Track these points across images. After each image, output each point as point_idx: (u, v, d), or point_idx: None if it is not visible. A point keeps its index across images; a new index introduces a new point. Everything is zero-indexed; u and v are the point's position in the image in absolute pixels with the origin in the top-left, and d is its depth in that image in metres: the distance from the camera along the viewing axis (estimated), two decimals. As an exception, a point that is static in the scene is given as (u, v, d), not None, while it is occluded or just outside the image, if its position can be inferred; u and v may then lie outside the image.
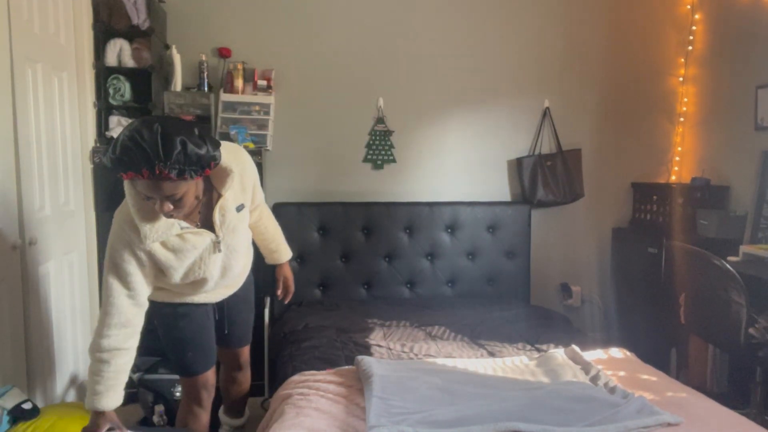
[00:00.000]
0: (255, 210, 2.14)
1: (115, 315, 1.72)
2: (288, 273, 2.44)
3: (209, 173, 1.67)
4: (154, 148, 1.50)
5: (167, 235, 1.73)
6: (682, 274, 2.75)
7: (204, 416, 2.13)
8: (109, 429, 1.73)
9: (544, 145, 3.66)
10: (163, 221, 1.71)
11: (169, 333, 2.02)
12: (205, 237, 1.83)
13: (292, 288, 2.46)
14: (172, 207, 1.62)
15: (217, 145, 1.65)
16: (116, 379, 1.73)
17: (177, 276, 1.83)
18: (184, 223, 1.79)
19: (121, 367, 1.74)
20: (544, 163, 3.59)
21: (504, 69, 3.61)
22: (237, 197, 1.89)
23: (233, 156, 1.84)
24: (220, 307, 2.12)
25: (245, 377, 2.40)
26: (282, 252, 2.39)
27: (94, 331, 1.77)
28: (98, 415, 1.72)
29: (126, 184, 1.68)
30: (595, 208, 3.75)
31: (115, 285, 1.73)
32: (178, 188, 1.59)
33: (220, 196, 1.82)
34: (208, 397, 2.11)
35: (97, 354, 1.71)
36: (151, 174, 1.51)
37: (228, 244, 1.90)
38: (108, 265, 1.74)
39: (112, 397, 1.72)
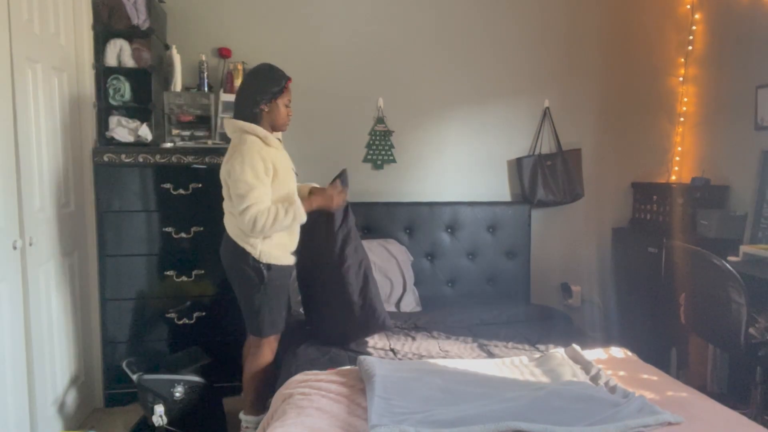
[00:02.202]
0: None
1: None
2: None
3: None
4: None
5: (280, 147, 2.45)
6: (682, 273, 2.75)
7: None
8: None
9: (544, 145, 3.66)
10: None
11: (283, 293, 2.46)
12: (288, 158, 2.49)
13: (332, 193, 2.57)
14: None
15: None
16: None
17: (293, 183, 2.44)
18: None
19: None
20: (544, 163, 3.59)
21: (504, 69, 3.61)
22: None
23: None
24: None
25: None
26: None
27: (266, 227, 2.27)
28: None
29: (249, 144, 2.30)
30: (595, 208, 3.75)
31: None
32: None
33: None
34: None
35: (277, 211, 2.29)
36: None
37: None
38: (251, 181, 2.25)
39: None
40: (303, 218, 2.37)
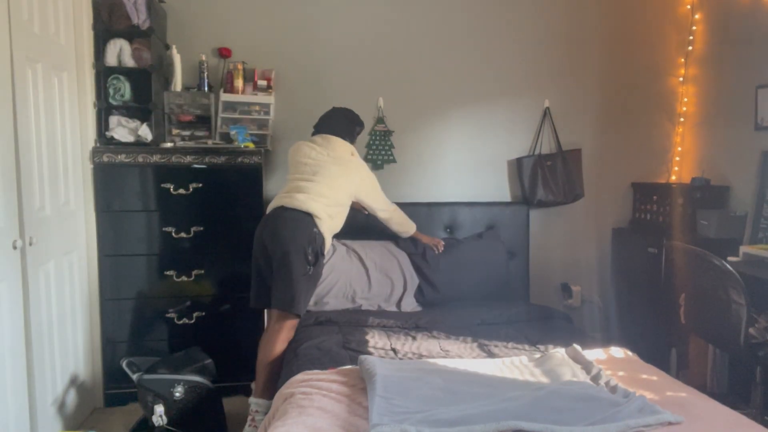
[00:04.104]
0: None
1: None
2: None
3: None
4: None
5: None
6: (682, 274, 2.75)
7: None
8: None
9: (544, 145, 3.66)
10: None
11: (316, 275, 2.66)
12: None
13: None
14: None
15: None
16: None
17: None
18: None
19: None
20: (544, 163, 3.59)
21: (504, 69, 3.61)
22: None
23: None
24: None
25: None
26: None
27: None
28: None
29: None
30: (595, 208, 3.75)
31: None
32: None
33: None
34: None
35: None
36: None
37: None
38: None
39: None
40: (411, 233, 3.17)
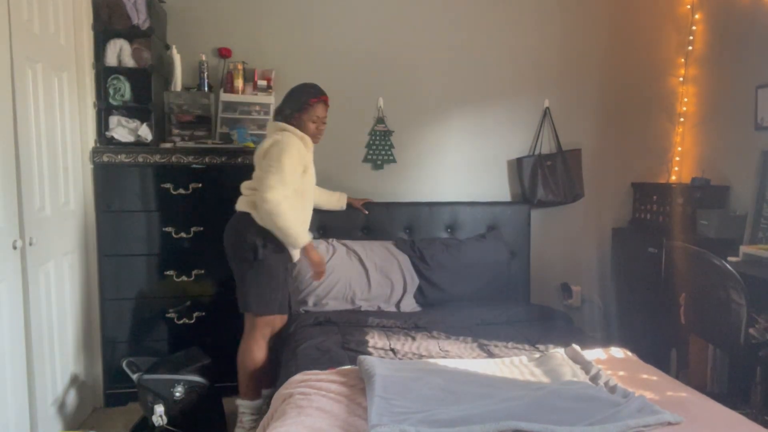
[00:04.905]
0: None
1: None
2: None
3: None
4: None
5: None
6: (682, 274, 2.74)
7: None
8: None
9: (544, 145, 3.66)
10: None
11: (274, 276, 2.58)
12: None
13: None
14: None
15: None
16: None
17: (314, 177, 2.74)
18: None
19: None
20: (544, 163, 3.59)
21: (504, 69, 3.61)
22: None
23: None
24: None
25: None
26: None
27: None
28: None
29: (288, 138, 2.57)
30: (595, 208, 3.75)
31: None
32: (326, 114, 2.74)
33: None
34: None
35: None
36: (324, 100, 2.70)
37: None
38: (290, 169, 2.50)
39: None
40: (298, 245, 2.62)
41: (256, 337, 2.63)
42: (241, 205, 2.62)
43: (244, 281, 2.60)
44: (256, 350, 2.63)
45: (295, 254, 2.70)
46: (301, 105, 2.65)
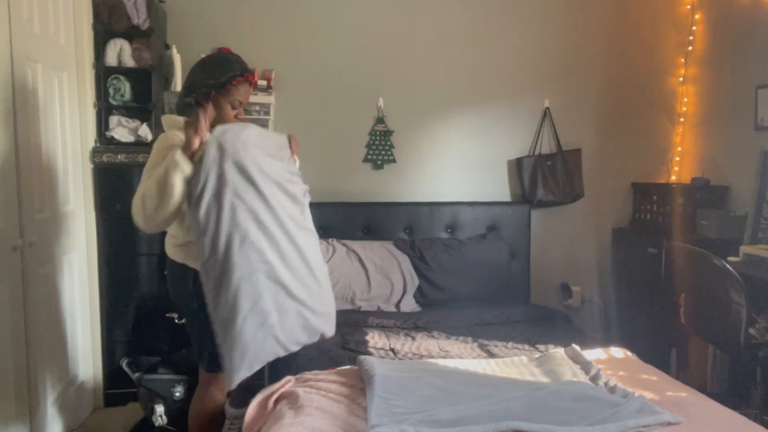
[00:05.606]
0: None
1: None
2: None
3: None
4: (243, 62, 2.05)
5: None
6: (682, 274, 2.74)
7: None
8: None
9: (544, 145, 3.66)
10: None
11: (210, 320, 1.91)
12: None
13: None
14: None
15: None
16: None
17: None
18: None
19: None
20: (544, 163, 3.59)
21: (504, 69, 3.61)
22: None
23: None
24: None
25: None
26: None
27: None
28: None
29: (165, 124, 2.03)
30: (595, 208, 3.75)
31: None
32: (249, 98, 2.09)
33: None
34: None
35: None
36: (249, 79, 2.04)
37: None
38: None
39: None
40: (180, 164, 1.81)
41: (212, 394, 2.14)
42: (169, 250, 2.10)
43: (193, 333, 2.11)
44: (209, 405, 2.15)
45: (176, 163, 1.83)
46: (220, 84, 1.99)
